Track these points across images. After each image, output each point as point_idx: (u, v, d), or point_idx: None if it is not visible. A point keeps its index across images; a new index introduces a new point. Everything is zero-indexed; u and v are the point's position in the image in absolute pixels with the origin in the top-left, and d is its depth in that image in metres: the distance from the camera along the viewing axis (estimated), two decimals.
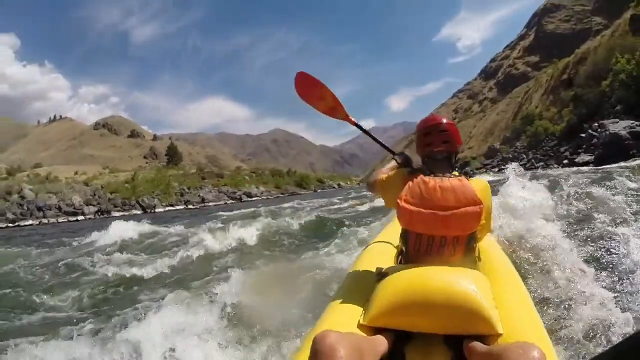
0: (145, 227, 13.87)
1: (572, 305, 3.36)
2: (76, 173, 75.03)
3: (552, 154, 37.19)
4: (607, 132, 20.80)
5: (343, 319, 2.11)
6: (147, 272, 7.65)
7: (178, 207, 45.35)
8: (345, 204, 20.03)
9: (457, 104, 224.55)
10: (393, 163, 2.93)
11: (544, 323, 2.22)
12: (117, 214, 38.75)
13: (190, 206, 46.25)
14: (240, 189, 60.78)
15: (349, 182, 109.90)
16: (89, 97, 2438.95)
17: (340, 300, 2.32)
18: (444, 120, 2.61)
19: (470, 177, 2.52)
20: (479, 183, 2.50)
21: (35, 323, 5.43)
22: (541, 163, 37.18)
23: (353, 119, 3.33)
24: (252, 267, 6.86)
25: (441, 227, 2.28)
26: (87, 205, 39.66)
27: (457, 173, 2.56)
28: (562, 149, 34.95)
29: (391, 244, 3.26)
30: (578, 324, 3.11)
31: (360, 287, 2.43)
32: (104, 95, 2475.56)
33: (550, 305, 3.46)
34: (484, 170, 64.26)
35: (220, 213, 19.50)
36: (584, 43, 69.61)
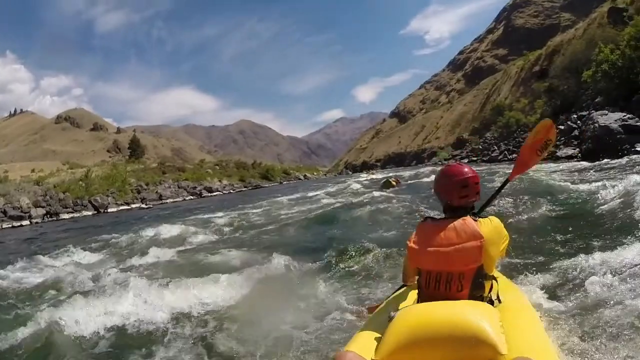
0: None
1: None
2: (33, 171, 70.61)
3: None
4: (597, 125, 19.22)
5: (359, 355, 2.24)
6: None
7: (134, 206, 42.94)
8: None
9: (424, 95, 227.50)
10: None
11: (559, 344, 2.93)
12: (66, 215, 36.19)
13: (142, 205, 43.52)
14: (202, 183, 58.28)
15: (315, 173, 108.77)
16: (52, 89, 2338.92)
17: (358, 340, 2.48)
18: (475, 174, 2.74)
19: (477, 218, 2.60)
20: (489, 222, 2.57)
21: None
22: (514, 155, 36.29)
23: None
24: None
25: (444, 262, 2.50)
26: (35, 208, 36.31)
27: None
28: None
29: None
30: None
31: (378, 328, 2.52)
32: (67, 87, 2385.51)
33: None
34: (454, 162, 63.59)
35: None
36: (552, 38, 69.57)
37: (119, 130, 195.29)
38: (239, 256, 8.62)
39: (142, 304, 5.24)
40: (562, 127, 28.34)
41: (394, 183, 24.66)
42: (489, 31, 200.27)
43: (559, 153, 23.75)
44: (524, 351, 1.96)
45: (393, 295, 3.38)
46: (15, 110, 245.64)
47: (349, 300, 5.14)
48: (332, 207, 15.98)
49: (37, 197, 38.40)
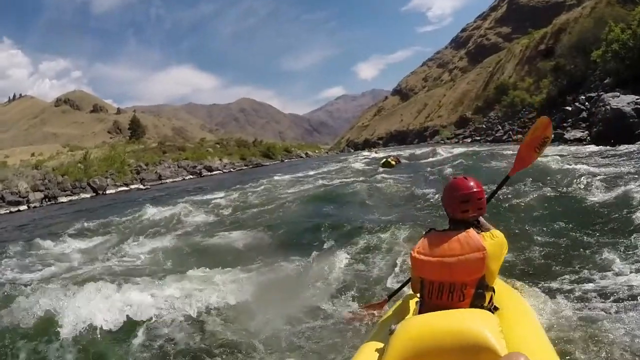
0: None
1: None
2: (32, 154, 71.32)
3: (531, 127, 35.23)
4: (609, 108, 18.53)
5: None
6: None
7: (132, 187, 42.54)
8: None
9: (426, 73, 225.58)
10: None
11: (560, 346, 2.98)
12: (64, 199, 35.89)
13: (140, 186, 43.14)
14: (202, 162, 57.77)
15: (317, 151, 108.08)
16: (50, 73, 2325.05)
17: (365, 351, 2.55)
18: (479, 189, 2.80)
19: (481, 231, 2.69)
20: (491, 236, 2.66)
21: None
22: (519, 135, 36.00)
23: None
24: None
25: (447, 273, 2.57)
26: (33, 192, 36.08)
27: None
28: None
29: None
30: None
31: (379, 341, 2.59)
32: (66, 69, 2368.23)
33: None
34: (457, 141, 63.09)
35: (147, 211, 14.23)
36: (557, 17, 68.04)
37: (119, 111, 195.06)
38: (234, 240, 8.64)
39: (135, 293, 5.21)
40: (569, 109, 27.96)
41: (393, 162, 24.61)
42: (493, 8, 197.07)
43: (567, 135, 23.20)
44: (524, 353, 1.95)
45: (392, 308, 3.40)
46: (14, 95, 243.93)
47: (346, 289, 5.23)
48: (330, 187, 16.23)
49: (36, 181, 38.09)
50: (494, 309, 2.68)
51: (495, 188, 3.89)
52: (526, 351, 1.98)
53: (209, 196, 18.08)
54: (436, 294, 2.62)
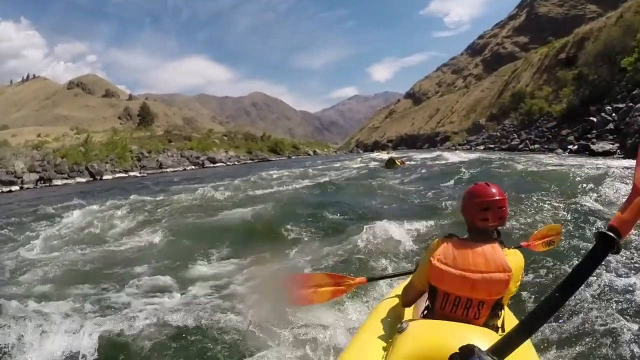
0: None
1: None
2: (39, 135, 71.44)
3: (551, 137, 34.64)
4: None
5: None
6: None
7: (132, 174, 42.29)
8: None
9: (440, 78, 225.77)
10: None
11: None
12: (59, 182, 35.66)
13: (137, 174, 42.88)
14: (207, 153, 57.02)
15: (325, 150, 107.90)
16: (66, 56, 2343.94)
17: (359, 349, 2.38)
18: (501, 197, 2.55)
19: (506, 247, 2.51)
20: (514, 255, 2.49)
21: None
22: (537, 145, 34.92)
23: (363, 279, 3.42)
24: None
25: (468, 289, 2.36)
26: (29, 173, 36.03)
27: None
28: (563, 132, 32.34)
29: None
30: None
31: (381, 336, 2.45)
32: (82, 53, 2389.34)
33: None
34: (469, 148, 61.73)
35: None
36: (576, 28, 66.71)
37: (130, 97, 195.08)
38: (217, 237, 8.15)
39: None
40: (594, 119, 26.87)
41: (398, 163, 24.47)
42: (511, 17, 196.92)
43: (594, 147, 21.90)
44: None
45: (384, 303, 3.08)
46: (27, 76, 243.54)
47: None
48: (333, 181, 16.48)
49: (34, 161, 38.00)
50: (500, 329, 2.52)
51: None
52: None
53: (197, 185, 17.59)
54: (450, 307, 2.42)
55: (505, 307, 2.85)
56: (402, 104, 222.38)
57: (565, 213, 7.45)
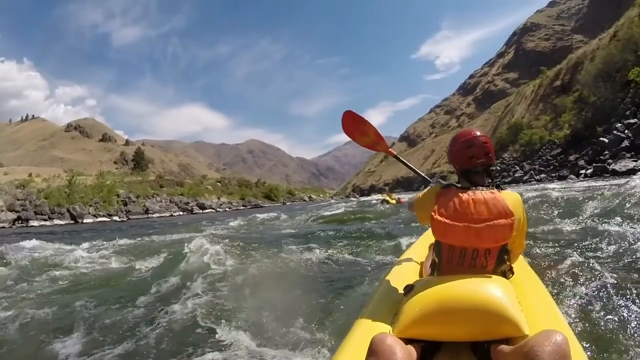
0: None
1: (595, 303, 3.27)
2: (30, 175, 71.09)
3: (558, 165, 32.82)
4: None
5: (374, 330, 2.07)
6: None
7: (115, 218, 40.59)
8: None
9: (434, 119, 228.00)
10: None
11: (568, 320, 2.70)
12: (35, 223, 33.64)
13: (117, 218, 40.74)
14: (197, 199, 55.23)
15: (321, 195, 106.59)
16: (66, 98, 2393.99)
17: (370, 313, 2.34)
18: (482, 134, 2.59)
19: (501, 189, 2.45)
20: (511, 196, 2.44)
21: None
22: (543, 175, 32.85)
23: (393, 152, 3.89)
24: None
25: (474, 239, 2.32)
26: (9, 212, 34.46)
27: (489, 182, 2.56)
28: (571, 158, 30.74)
29: (418, 259, 3.29)
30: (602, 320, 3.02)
31: (390, 300, 2.44)
32: (81, 97, 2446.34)
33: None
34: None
35: None
36: (564, 59, 66.36)
37: (127, 143, 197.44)
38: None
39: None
40: (604, 140, 25.00)
41: (393, 201, 24.90)
42: (500, 55, 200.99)
43: (615, 167, 19.87)
44: (542, 327, 1.81)
45: (396, 267, 3.15)
46: (27, 116, 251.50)
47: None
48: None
49: (15, 200, 36.88)
50: (509, 272, 2.45)
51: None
52: (539, 321, 1.97)
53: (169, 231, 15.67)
54: (457, 259, 2.37)
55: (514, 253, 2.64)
56: (397, 147, 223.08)
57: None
